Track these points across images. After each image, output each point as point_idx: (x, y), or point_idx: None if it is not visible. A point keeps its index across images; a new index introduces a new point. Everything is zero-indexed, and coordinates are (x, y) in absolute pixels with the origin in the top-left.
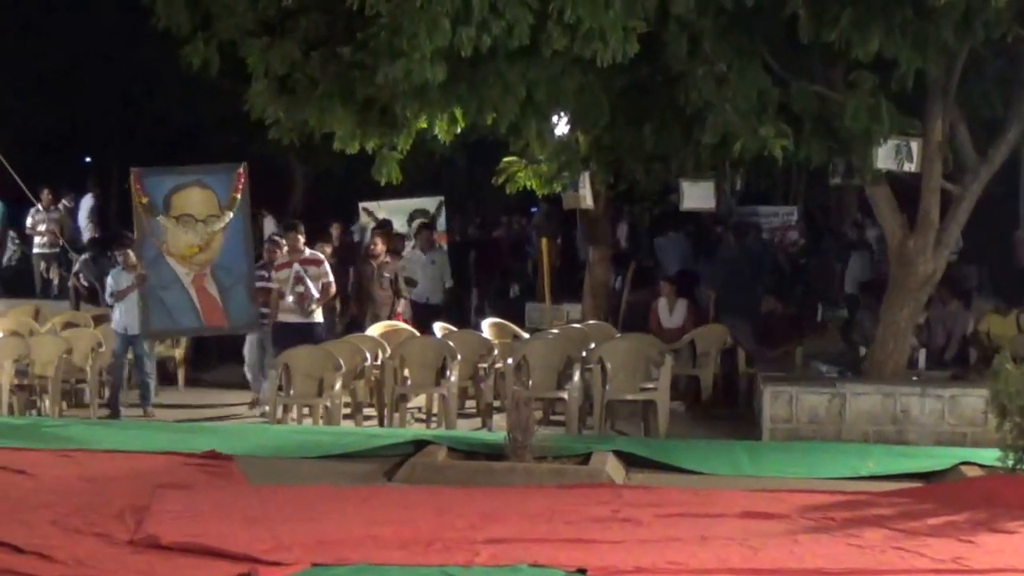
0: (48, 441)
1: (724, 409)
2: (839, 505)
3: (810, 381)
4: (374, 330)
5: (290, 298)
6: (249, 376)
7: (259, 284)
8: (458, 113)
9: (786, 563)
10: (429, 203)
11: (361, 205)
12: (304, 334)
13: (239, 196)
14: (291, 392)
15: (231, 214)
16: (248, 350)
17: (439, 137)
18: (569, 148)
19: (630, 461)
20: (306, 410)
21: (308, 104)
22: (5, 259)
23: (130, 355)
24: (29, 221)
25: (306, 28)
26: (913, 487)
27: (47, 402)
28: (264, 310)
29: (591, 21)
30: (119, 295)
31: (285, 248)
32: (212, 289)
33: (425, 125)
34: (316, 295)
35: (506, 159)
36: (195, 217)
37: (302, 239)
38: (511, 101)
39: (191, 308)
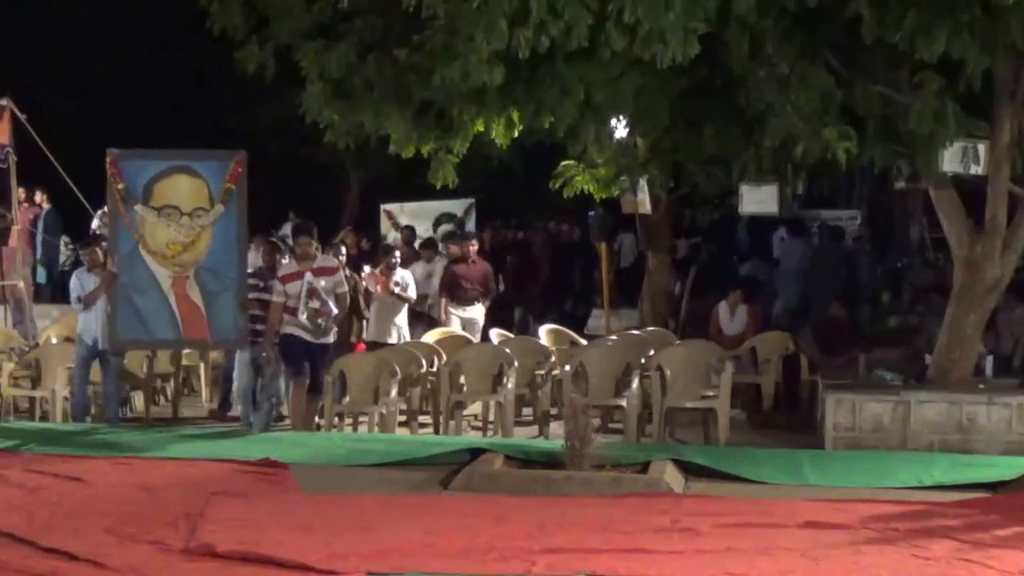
0: (102, 448)
1: (785, 417)
2: (903, 515)
3: (873, 389)
4: (429, 336)
5: (303, 316)
6: (239, 405)
7: (252, 295)
8: (515, 116)
9: (849, 574)
10: (457, 206)
11: (383, 208)
12: (313, 355)
13: (234, 188)
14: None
15: (222, 208)
16: (238, 371)
17: (496, 141)
18: (628, 151)
19: (689, 470)
20: (361, 417)
21: (364, 107)
22: (59, 264)
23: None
24: (95, 223)
25: (362, 31)
26: (980, 497)
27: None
28: (258, 326)
29: (651, 22)
30: (88, 299)
31: (297, 252)
32: (195, 296)
33: (482, 128)
34: (334, 311)
35: (564, 163)
36: (180, 210)
37: (315, 244)
38: (569, 104)
39: (169, 317)
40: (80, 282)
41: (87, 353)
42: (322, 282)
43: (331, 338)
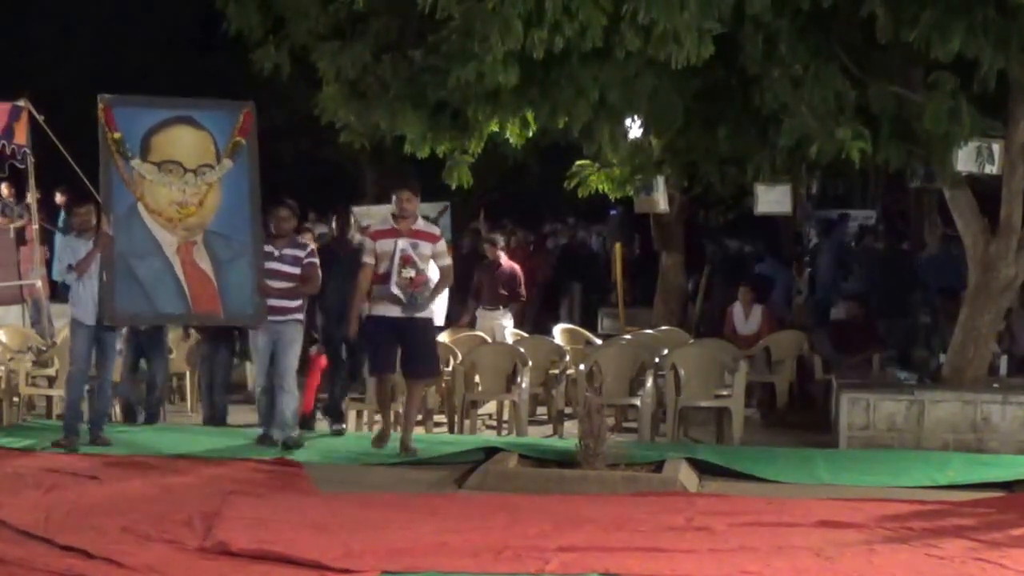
0: (119, 447)
1: (800, 416)
2: (918, 515)
3: (888, 388)
4: (444, 336)
5: (395, 287)
6: (258, 390)
7: (267, 265)
8: (530, 116)
9: (863, 574)
10: (431, 208)
11: (353, 210)
12: (405, 333)
13: (244, 141)
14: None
15: (230, 163)
16: (258, 351)
17: (511, 141)
18: (642, 152)
19: (704, 469)
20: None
21: (379, 108)
22: None
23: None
24: None
25: (377, 31)
26: (994, 496)
27: (117, 408)
28: (273, 302)
29: (665, 22)
30: (82, 267)
31: (396, 208)
32: (204, 263)
33: (497, 129)
34: (433, 282)
35: (578, 163)
36: (183, 166)
37: (417, 201)
38: (583, 104)
39: (175, 287)
40: (71, 248)
41: (88, 337)
42: (420, 248)
43: (428, 313)
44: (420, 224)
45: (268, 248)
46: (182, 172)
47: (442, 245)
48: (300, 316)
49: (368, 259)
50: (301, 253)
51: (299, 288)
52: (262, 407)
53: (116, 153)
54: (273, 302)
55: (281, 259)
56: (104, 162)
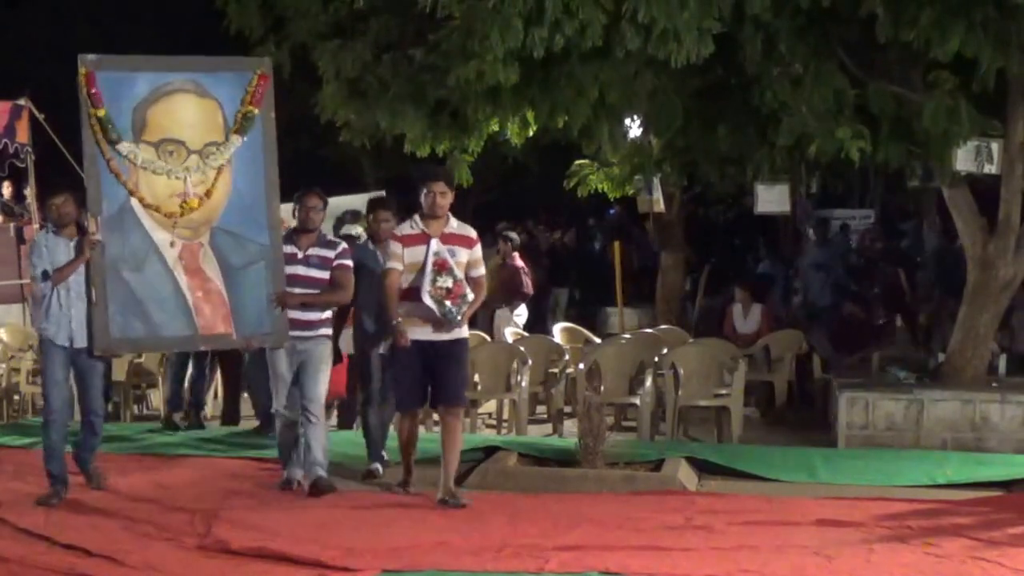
0: (119, 446)
1: (799, 415)
2: (916, 513)
3: (887, 387)
4: None
5: (428, 297)
6: (279, 424)
7: (288, 269)
8: (530, 115)
9: (862, 572)
10: (362, 202)
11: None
12: (438, 359)
13: (257, 112)
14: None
15: (239, 140)
16: (278, 374)
17: (511, 140)
18: (642, 151)
19: (703, 468)
20: None
21: (379, 106)
22: None
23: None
24: None
25: (377, 31)
26: (993, 496)
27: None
28: (296, 315)
29: (665, 21)
30: (61, 275)
31: (423, 206)
32: (212, 271)
33: (497, 128)
34: (470, 296)
35: (577, 162)
36: (187, 146)
37: (450, 197)
38: (583, 103)
39: (178, 303)
40: (47, 249)
41: (64, 362)
42: (457, 255)
43: (464, 332)
44: (454, 225)
45: (290, 248)
46: (185, 154)
47: (479, 251)
48: (328, 331)
49: (395, 264)
50: (331, 253)
51: (328, 296)
52: (285, 443)
53: (102, 135)
54: (296, 314)
55: (306, 262)
56: (88, 149)
